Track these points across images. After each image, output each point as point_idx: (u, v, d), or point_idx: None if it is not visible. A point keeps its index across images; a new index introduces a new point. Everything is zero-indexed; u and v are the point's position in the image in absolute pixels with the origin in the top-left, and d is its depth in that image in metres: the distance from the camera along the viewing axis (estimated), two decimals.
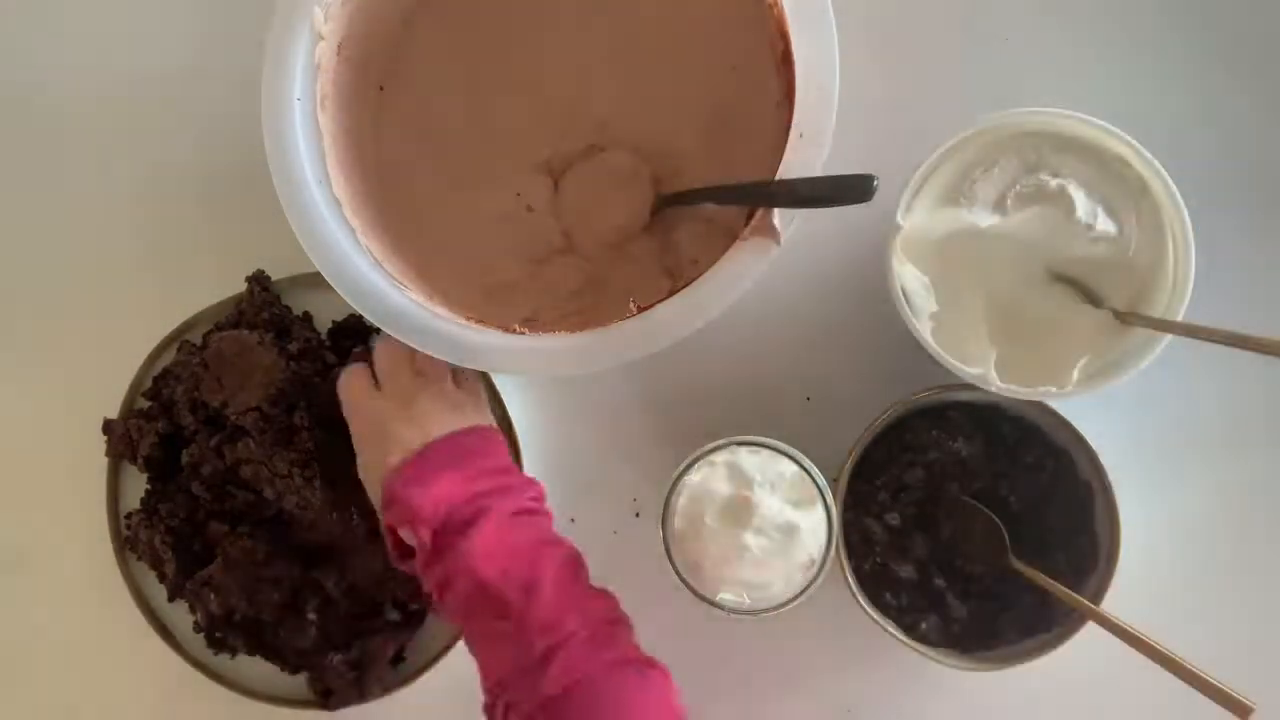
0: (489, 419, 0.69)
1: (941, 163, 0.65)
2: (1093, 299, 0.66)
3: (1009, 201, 0.65)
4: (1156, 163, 0.63)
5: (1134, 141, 0.63)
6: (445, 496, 0.60)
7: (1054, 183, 0.64)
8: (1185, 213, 0.62)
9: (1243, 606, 0.72)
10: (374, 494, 0.64)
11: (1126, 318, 0.64)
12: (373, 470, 0.64)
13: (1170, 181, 0.63)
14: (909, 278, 0.65)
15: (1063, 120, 0.64)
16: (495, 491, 0.61)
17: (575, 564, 0.61)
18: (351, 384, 0.67)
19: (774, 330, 0.74)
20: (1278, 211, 0.72)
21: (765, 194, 0.63)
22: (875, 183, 0.57)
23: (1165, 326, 0.62)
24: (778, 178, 0.62)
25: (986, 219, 0.65)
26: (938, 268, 0.65)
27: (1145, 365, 0.62)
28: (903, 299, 0.64)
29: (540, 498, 0.65)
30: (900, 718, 0.73)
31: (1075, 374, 0.64)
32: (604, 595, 0.61)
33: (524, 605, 0.57)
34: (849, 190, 0.59)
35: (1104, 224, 0.64)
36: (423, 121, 0.73)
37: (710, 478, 0.66)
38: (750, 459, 0.66)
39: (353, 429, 0.66)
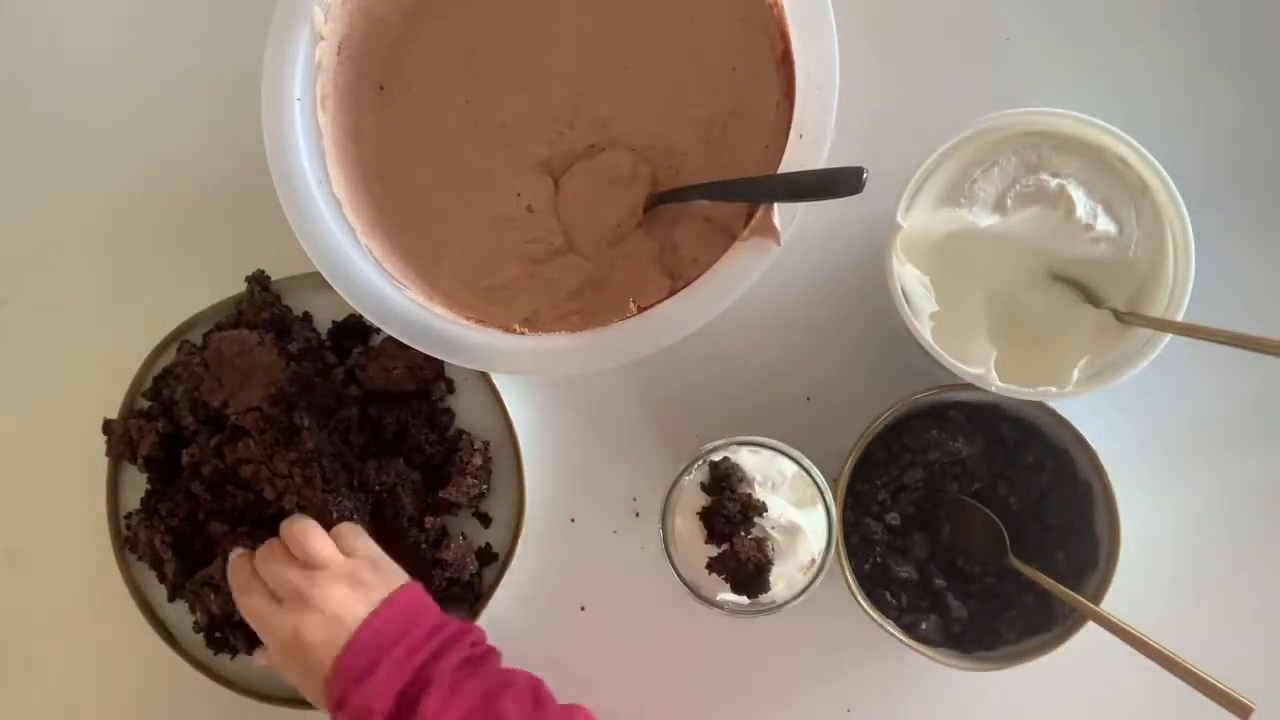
0: (394, 574, 0.66)
1: (941, 163, 0.65)
2: (1093, 299, 0.66)
3: (1009, 201, 0.65)
4: (1156, 163, 0.63)
5: (1134, 141, 0.63)
6: (387, 684, 0.59)
7: (1054, 183, 0.64)
8: (1185, 213, 0.62)
9: (1243, 606, 0.72)
10: (320, 705, 0.63)
11: (1126, 318, 0.64)
12: (309, 687, 0.63)
13: (1170, 181, 0.63)
14: (909, 278, 0.65)
15: (1063, 120, 0.64)
16: (434, 656, 0.61)
17: (534, 694, 0.62)
18: (249, 604, 0.65)
19: (774, 330, 0.74)
20: (1277, 211, 0.72)
21: (756, 188, 0.63)
22: (865, 175, 0.57)
23: (1165, 326, 0.62)
24: None
25: (986, 219, 0.65)
26: (938, 268, 0.65)
27: (1145, 365, 0.62)
28: (903, 299, 0.64)
29: (481, 640, 0.65)
30: (900, 718, 0.73)
31: (1075, 374, 0.64)
32: (576, 710, 0.62)
33: None
34: (839, 183, 0.58)
35: (1104, 224, 0.64)
36: (423, 121, 0.73)
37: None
38: (750, 459, 0.66)
39: (270, 650, 0.65)
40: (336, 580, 0.63)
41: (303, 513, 0.68)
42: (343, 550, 0.66)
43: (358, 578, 0.64)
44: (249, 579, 0.66)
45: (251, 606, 0.65)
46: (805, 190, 0.61)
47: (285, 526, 0.67)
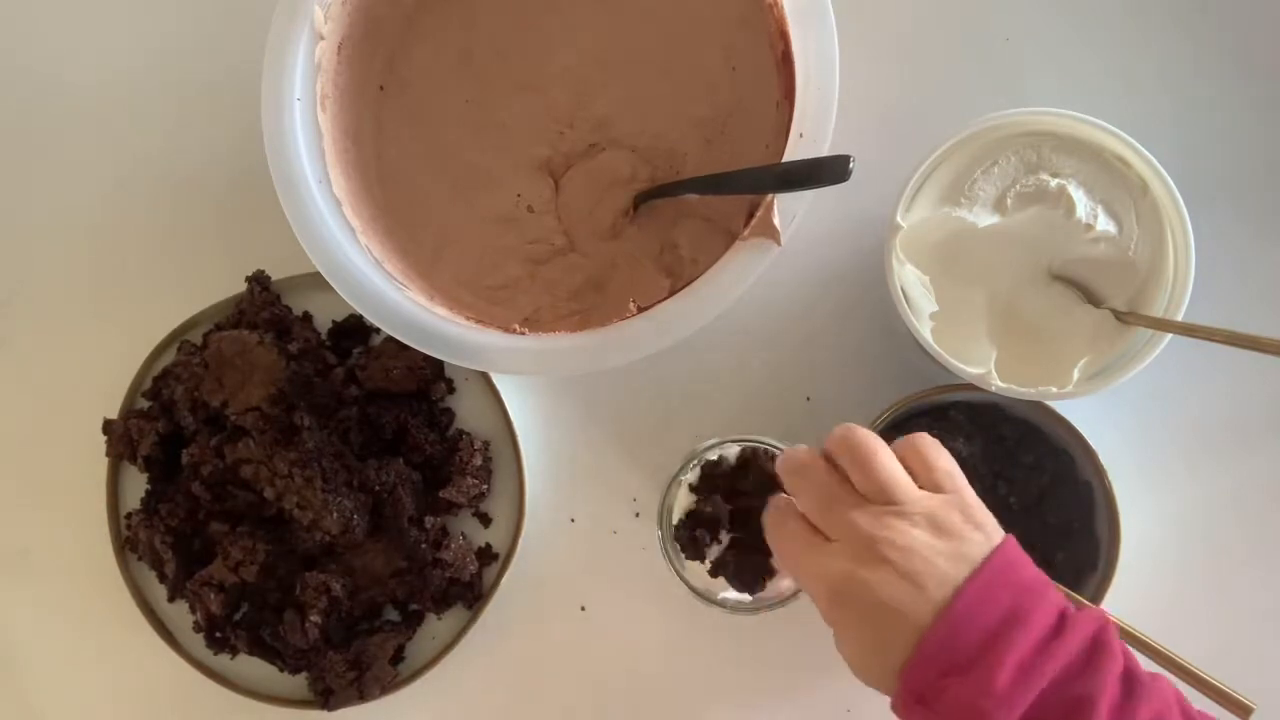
0: (985, 518, 0.50)
1: (941, 163, 0.65)
2: (1093, 299, 0.66)
3: (1009, 201, 0.65)
4: (1156, 163, 0.63)
5: (1134, 141, 0.63)
6: (1015, 688, 0.43)
7: (1054, 183, 0.64)
8: (1185, 213, 0.62)
9: (1243, 606, 0.72)
10: (878, 684, 0.49)
11: (1126, 318, 0.64)
12: (873, 658, 0.49)
13: (1170, 181, 0.63)
14: (909, 278, 0.65)
15: (1063, 120, 0.64)
16: (1083, 662, 0.44)
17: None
18: (782, 543, 0.51)
19: (774, 330, 0.74)
20: (1278, 211, 0.72)
21: (744, 180, 0.63)
22: (852, 163, 0.57)
23: (1165, 326, 0.62)
24: None
25: (986, 219, 0.65)
26: (938, 268, 0.65)
27: (1145, 365, 0.62)
28: (903, 299, 0.64)
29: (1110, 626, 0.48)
30: None
31: (1075, 374, 0.64)
32: None
33: None
34: (826, 171, 0.58)
35: (1104, 224, 0.64)
36: (423, 121, 0.73)
37: None
38: None
39: (818, 602, 0.50)
40: (913, 522, 0.47)
41: (302, 513, 0.68)
42: (920, 469, 0.51)
43: (942, 522, 0.48)
44: (785, 514, 0.52)
45: (785, 545, 0.50)
46: (792, 179, 0.60)
47: (843, 436, 0.51)
